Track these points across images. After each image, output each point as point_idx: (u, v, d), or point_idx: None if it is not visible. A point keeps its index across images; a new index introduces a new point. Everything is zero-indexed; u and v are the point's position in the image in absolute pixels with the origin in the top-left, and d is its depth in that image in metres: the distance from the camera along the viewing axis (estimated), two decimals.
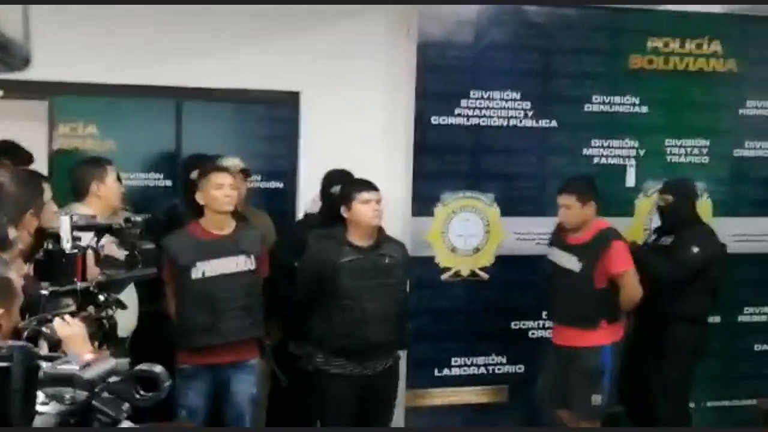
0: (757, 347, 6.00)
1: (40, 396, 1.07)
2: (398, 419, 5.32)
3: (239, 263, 4.48)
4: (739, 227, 5.89)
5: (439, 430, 4.95)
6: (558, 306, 5.12)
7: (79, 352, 1.86)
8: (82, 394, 1.15)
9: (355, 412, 4.59)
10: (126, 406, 1.20)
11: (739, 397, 5.72)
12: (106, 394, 1.19)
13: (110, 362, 1.22)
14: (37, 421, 1.06)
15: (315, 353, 4.56)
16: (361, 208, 4.50)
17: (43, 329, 2.27)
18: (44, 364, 1.09)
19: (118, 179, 4.51)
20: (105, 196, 4.37)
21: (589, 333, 4.93)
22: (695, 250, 5.15)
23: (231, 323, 4.43)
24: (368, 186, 4.56)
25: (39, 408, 1.07)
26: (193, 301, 4.41)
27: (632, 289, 4.94)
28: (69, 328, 2.34)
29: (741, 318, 5.93)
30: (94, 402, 1.17)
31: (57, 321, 2.34)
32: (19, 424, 1.03)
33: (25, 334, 2.20)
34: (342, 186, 4.71)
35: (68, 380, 1.16)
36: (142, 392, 1.20)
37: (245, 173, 4.96)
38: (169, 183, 5.19)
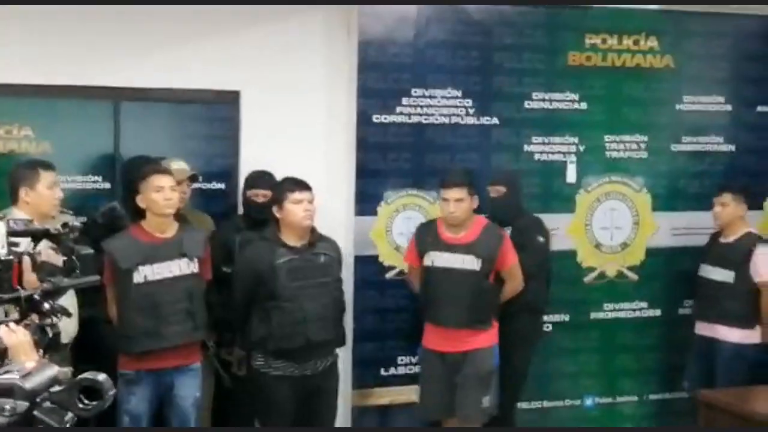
0: None
1: None
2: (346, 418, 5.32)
3: (182, 266, 4.42)
4: (678, 221, 5.99)
5: (437, 430, 4.94)
6: (447, 308, 4.87)
7: (26, 360, 1.81)
8: (23, 405, 1.12)
9: (296, 413, 4.58)
10: (69, 416, 1.16)
11: (679, 389, 5.79)
12: (48, 404, 1.15)
13: (52, 370, 1.19)
14: None
15: (254, 356, 4.55)
16: (293, 208, 4.48)
17: None
18: None
19: (56, 184, 4.40)
20: (34, 203, 4.25)
21: (484, 333, 4.88)
22: (540, 239, 5.22)
23: (174, 327, 4.37)
24: (300, 185, 4.54)
25: None
26: (135, 305, 4.33)
27: (518, 279, 5.00)
28: (15, 336, 2.28)
29: (681, 311, 6.01)
30: (35, 412, 1.13)
31: (2, 329, 2.28)
32: None
33: None
34: (273, 186, 4.70)
35: (9, 391, 1.12)
36: (85, 401, 1.16)
37: (193, 178, 4.88)
38: (107, 185, 5.09)
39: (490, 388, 4.90)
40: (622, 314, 5.91)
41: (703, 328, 5.53)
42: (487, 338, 4.91)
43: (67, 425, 1.15)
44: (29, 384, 1.14)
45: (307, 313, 4.44)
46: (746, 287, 5.34)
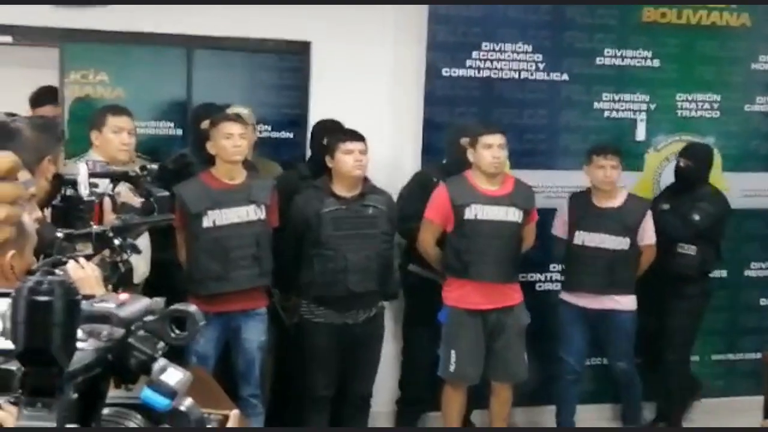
0: (762, 301, 6.02)
1: (78, 333, 1.09)
2: None
3: (249, 212, 4.50)
4: (749, 183, 5.89)
5: (437, 430, 4.98)
6: (494, 263, 4.74)
7: (93, 294, 1.89)
8: (118, 332, 1.18)
9: (338, 361, 4.67)
10: (161, 344, 1.22)
11: (744, 350, 5.76)
12: (141, 333, 1.21)
13: (145, 301, 1.25)
14: (76, 356, 1.09)
15: (301, 302, 4.63)
16: (343, 158, 4.52)
17: (57, 271, 2.29)
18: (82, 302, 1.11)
19: (124, 129, 4.46)
20: (101, 147, 4.32)
21: (517, 288, 4.89)
22: (696, 217, 5.22)
23: (241, 272, 4.46)
24: (353, 136, 4.57)
25: (78, 344, 1.09)
26: (204, 249, 4.44)
27: (533, 236, 4.99)
28: (82, 270, 2.36)
29: (747, 273, 5.95)
30: (130, 339, 1.19)
31: (71, 263, 2.36)
32: (60, 358, 1.06)
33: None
34: (328, 136, 4.72)
35: (105, 318, 1.18)
36: (176, 331, 1.22)
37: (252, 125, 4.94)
38: (179, 132, 5.19)
39: (524, 343, 4.89)
40: None
41: None
42: (521, 291, 4.90)
43: (160, 353, 1.21)
44: (124, 312, 1.19)
45: (348, 262, 4.50)
46: None
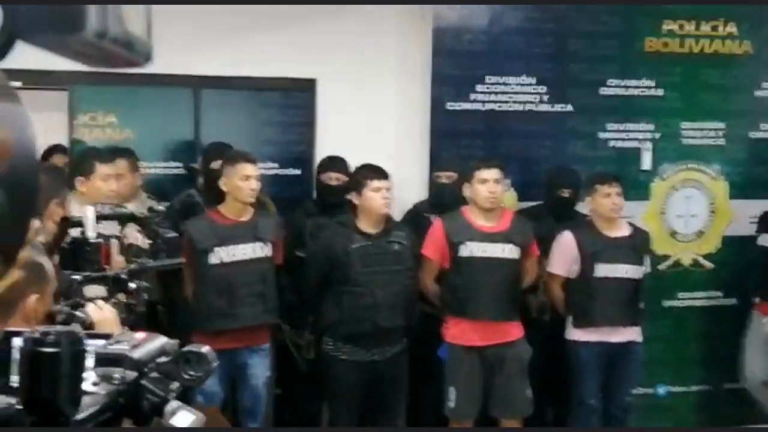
0: None
1: (92, 376, 1.11)
2: None
3: (256, 249, 4.53)
4: (756, 209, 5.88)
5: (442, 430, 4.95)
6: (490, 300, 4.67)
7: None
8: (131, 375, 1.19)
9: (364, 398, 4.65)
10: (175, 385, 1.24)
11: None
12: (155, 374, 1.22)
13: (160, 341, 1.26)
14: (87, 401, 1.10)
15: (324, 339, 4.64)
16: (372, 196, 4.54)
17: (77, 313, 2.33)
18: (96, 344, 1.12)
19: (136, 169, 4.50)
20: (88, 193, 4.11)
21: (519, 322, 4.80)
22: None
23: (247, 309, 4.49)
24: (380, 173, 4.60)
25: (90, 388, 1.11)
26: (210, 285, 4.46)
27: (535, 270, 4.94)
28: (101, 312, 2.40)
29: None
30: (142, 381, 1.21)
31: (90, 305, 2.40)
32: (66, 408, 1.07)
33: (61, 318, 2.25)
34: (352, 173, 4.76)
35: (118, 361, 1.19)
36: (190, 372, 1.24)
37: None
38: (187, 172, 5.23)
39: (527, 378, 4.80)
40: (696, 302, 5.85)
41: None
42: (521, 327, 4.82)
43: (173, 395, 1.23)
44: (137, 354, 1.21)
45: (377, 298, 4.52)
46: None
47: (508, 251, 4.71)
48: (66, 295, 2.40)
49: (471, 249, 4.67)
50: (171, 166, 5.22)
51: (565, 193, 5.29)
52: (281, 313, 4.74)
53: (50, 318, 2.04)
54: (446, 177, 5.16)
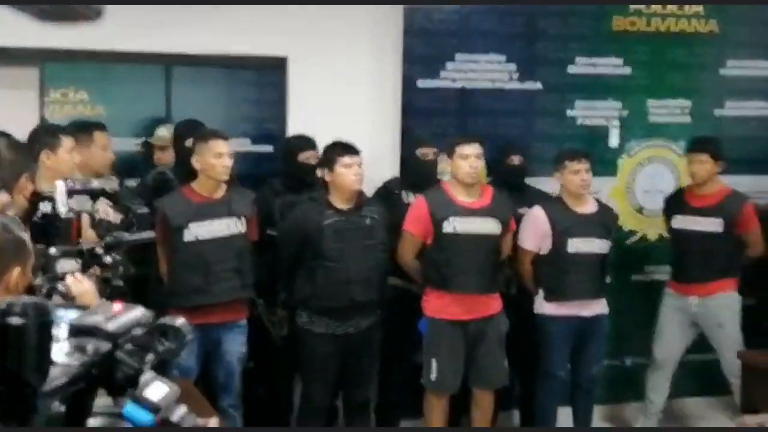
0: None
1: (65, 347, 1.13)
2: None
3: (230, 226, 4.56)
4: None
5: (440, 430, 5.03)
6: (473, 275, 4.75)
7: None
8: (105, 346, 1.20)
9: (338, 370, 4.72)
10: (150, 356, 1.25)
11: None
12: (129, 346, 1.23)
13: (137, 312, 1.27)
14: (59, 372, 1.12)
15: (298, 314, 4.69)
16: (344, 172, 4.59)
17: (58, 286, 2.36)
18: (71, 315, 1.15)
19: (106, 146, 4.50)
20: (54, 167, 4.09)
21: (497, 297, 4.87)
22: None
23: (222, 284, 4.52)
24: (350, 150, 4.64)
25: (63, 359, 1.12)
26: (185, 262, 4.49)
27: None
28: (81, 285, 2.44)
29: None
30: (117, 353, 1.22)
31: (69, 278, 2.43)
32: (33, 379, 1.08)
33: (43, 291, 2.29)
34: (324, 149, 4.79)
35: (92, 332, 1.20)
36: (165, 343, 1.26)
37: None
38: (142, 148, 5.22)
39: (504, 350, 4.90)
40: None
41: None
42: (500, 300, 4.90)
43: (148, 366, 1.25)
44: (112, 326, 1.22)
45: (350, 273, 4.58)
46: None
47: (491, 226, 4.79)
48: (44, 269, 2.43)
49: (455, 225, 4.74)
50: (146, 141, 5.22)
51: (515, 161, 5.36)
52: (254, 291, 4.77)
53: (31, 291, 2.07)
54: (432, 153, 5.20)
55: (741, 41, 5.98)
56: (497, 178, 5.32)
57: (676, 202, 5.48)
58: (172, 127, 5.05)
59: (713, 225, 5.26)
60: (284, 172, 5.16)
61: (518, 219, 5.09)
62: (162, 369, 1.34)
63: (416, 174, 5.21)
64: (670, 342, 5.43)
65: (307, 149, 5.04)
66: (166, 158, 5.02)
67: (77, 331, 1.19)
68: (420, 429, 5.23)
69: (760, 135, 6.07)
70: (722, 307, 5.29)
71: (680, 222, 5.39)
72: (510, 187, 5.22)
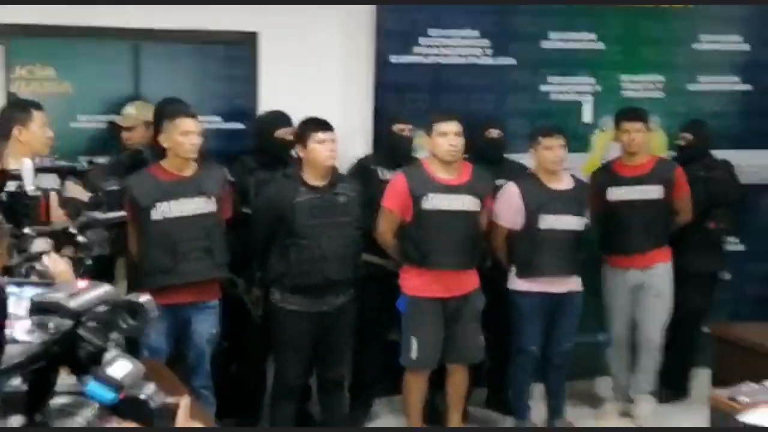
0: None
1: (26, 324, 1.10)
2: None
3: (200, 204, 4.50)
4: None
5: (432, 430, 5.02)
6: (451, 252, 4.76)
7: None
8: (66, 323, 1.18)
9: (312, 349, 4.70)
10: (113, 334, 1.23)
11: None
12: (92, 323, 1.21)
13: (101, 290, 1.24)
14: (18, 350, 1.09)
15: (272, 291, 4.65)
16: (317, 148, 4.55)
17: (37, 266, 2.33)
18: (33, 292, 1.12)
19: (45, 126, 4.39)
20: (27, 142, 4.13)
21: (474, 273, 4.90)
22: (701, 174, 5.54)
23: (191, 264, 4.47)
24: (324, 126, 4.60)
25: (23, 337, 1.10)
26: (153, 241, 4.44)
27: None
28: (58, 264, 2.40)
29: None
30: (79, 331, 1.20)
31: (45, 258, 2.40)
32: None
33: (22, 270, 2.25)
34: (298, 126, 4.75)
35: (54, 309, 1.18)
36: (129, 321, 1.23)
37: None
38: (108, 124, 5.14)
39: (480, 326, 4.91)
40: None
41: None
42: (477, 277, 4.92)
43: (112, 344, 1.22)
44: (74, 303, 1.19)
45: (324, 251, 4.55)
46: None
47: (470, 203, 4.78)
48: (19, 249, 2.39)
49: (433, 202, 4.72)
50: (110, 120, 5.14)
51: (493, 134, 5.34)
52: (233, 269, 4.73)
53: (7, 271, 2.03)
54: (408, 130, 5.18)
55: (714, 16, 5.99)
56: (476, 152, 5.29)
57: (606, 176, 5.50)
58: (141, 105, 4.97)
59: (653, 192, 5.36)
60: (258, 149, 5.10)
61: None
62: (131, 349, 1.31)
63: (392, 150, 5.19)
64: (620, 318, 5.49)
65: (283, 125, 4.99)
66: (134, 137, 4.94)
67: (39, 309, 1.17)
68: (419, 429, 5.13)
69: (732, 110, 6.08)
70: (661, 277, 5.40)
71: (616, 194, 5.41)
72: (489, 161, 5.20)
